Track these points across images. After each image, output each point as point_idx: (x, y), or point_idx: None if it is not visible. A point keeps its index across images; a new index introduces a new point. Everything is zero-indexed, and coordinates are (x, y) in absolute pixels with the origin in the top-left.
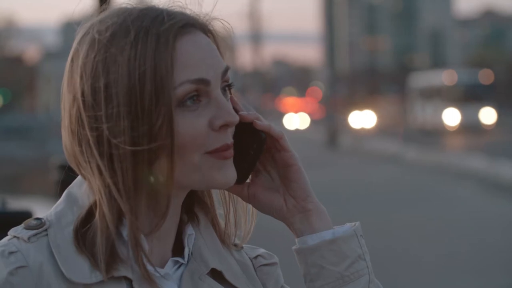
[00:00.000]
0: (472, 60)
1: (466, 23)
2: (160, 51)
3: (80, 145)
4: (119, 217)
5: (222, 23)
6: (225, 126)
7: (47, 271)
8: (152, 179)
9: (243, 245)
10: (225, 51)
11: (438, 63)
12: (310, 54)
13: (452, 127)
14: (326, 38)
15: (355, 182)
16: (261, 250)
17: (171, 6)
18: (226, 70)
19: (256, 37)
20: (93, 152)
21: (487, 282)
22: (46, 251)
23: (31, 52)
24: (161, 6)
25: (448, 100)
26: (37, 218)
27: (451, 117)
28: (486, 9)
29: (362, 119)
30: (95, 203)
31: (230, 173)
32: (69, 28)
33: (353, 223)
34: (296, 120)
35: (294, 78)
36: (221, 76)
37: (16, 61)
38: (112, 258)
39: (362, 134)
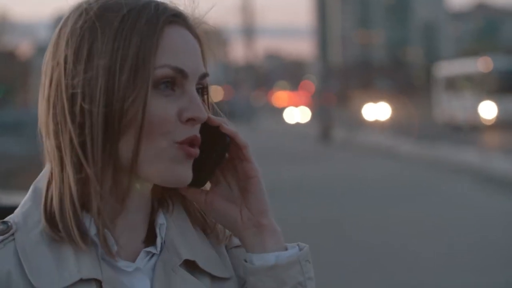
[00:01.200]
0: (465, 53)
1: (459, 16)
2: (148, 32)
3: (54, 111)
4: (85, 197)
5: (207, 29)
6: (192, 120)
7: (15, 279)
8: (119, 153)
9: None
10: (208, 58)
11: (431, 56)
12: (303, 48)
13: (488, 120)
14: (319, 32)
15: (349, 176)
16: None
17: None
18: (204, 75)
19: (249, 31)
20: (66, 118)
21: (485, 279)
22: (14, 258)
23: (24, 47)
24: None
25: (483, 91)
26: (3, 222)
27: (487, 109)
28: (478, 1)
29: (377, 111)
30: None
31: (187, 172)
32: None
33: (303, 246)
34: (297, 114)
35: (287, 72)
36: (199, 78)
37: (10, 56)
38: (83, 233)
39: (355, 127)
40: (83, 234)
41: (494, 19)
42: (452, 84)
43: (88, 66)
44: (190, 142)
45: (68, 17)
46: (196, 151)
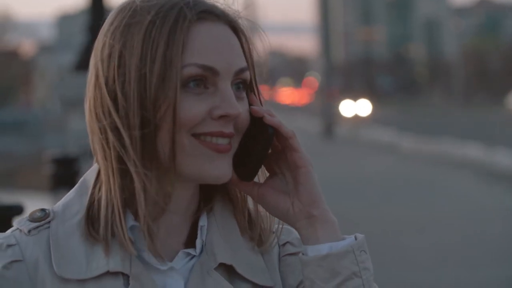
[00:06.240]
0: (467, 49)
1: (461, 12)
2: (174, 31)
3: (96, 111)
4: (127, 196)
5: (247, 23)
6: (224, 116)
7: (43, 266)
8: (158, 152)
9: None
10: (252, 51)
11: (433, 53)
12: (305, 44)
13: None
14: (321, 28)
15: (352, 173)
16: (293, 235)
17: None
18: (242, 69)
19: (252, 28)
20: (110, 115)
21: (485, 273)
22: (45, 246)
23: (27, 46)
24: None
25: None
26: (42, 210)
27: None
28: None
29: None
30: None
31: (222, 167)
32: (64, 21)
33: (359, 236)
34: (355, 107)
35: (290, 68)
36: (235, 73)
37: (12, 55)
38: (113, 237)
39: (356, 123)
40: (121, 232)
41: (496, 15)
42: None
43: (121, 65)
44: (212, 135)
45: (112, 13)
46: (225, 147)
